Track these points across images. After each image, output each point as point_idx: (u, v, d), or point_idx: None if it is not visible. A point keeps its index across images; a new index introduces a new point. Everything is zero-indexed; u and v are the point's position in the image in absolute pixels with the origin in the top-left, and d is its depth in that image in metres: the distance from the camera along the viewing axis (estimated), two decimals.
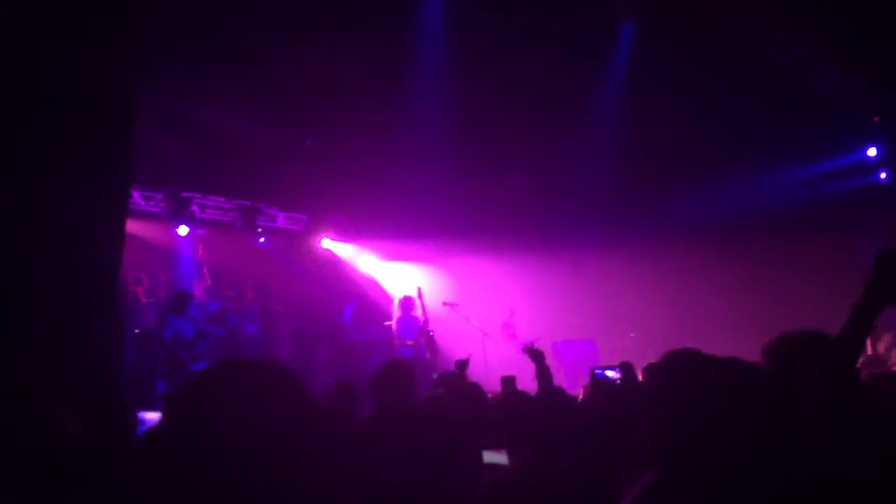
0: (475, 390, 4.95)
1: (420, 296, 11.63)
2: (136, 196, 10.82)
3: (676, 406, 1.89)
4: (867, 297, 2.19)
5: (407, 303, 11.59)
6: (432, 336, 11.35)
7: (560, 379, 11.47)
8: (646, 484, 1.92)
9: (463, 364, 5.71)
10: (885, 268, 2.19)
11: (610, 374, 5.52)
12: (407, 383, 4.83)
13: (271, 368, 1.67)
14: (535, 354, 5.24)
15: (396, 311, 11.56)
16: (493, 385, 6.71)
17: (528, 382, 5.42)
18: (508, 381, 5.69)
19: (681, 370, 1.99)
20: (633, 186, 12.81)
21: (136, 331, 10.67)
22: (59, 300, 5.84)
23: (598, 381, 5.49)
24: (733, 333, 10.40)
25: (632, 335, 12.49)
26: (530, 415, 2.94)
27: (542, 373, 5.05)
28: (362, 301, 13.12)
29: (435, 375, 6.28)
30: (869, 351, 8.49)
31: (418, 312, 11.53)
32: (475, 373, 8.93)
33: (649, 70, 10.54)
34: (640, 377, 4.83)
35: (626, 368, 4.92)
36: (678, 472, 1.83)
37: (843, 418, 2.13)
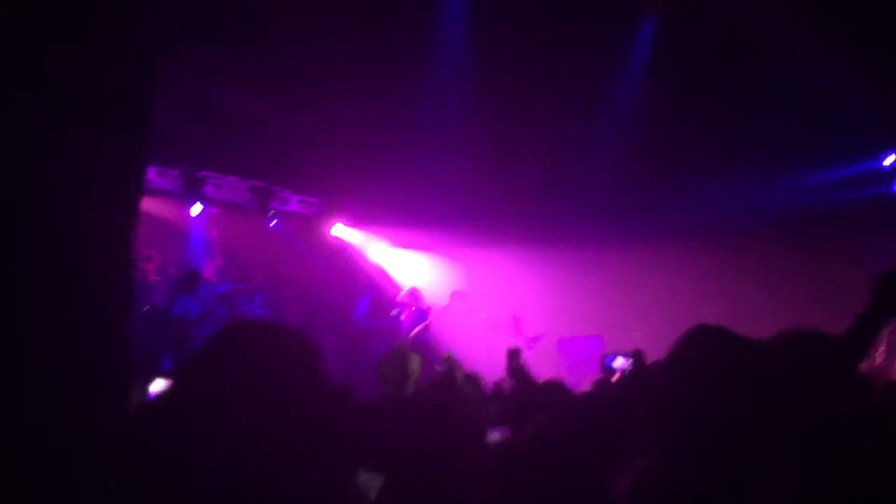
0: (474, 375, 5.01)
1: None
2: (152, 172, 10.85)
3: (698, 379, 1.88)
4: (869, 314, 2.27)
5: (416, 295, 11.63)
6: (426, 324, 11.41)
7: (562, 376, 11.46)
8: (643, 469, 1.92)
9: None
10: (884, 289, 2.26)
11: (619, 361, 5.54)
12: (414, 368, 4.88)
13: (286, 335, 1.67)
14: (511, 355, 5.35)
15: (407, 302, 11.59)
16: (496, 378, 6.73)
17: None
18: (514, 354, 5.72)
19: (707, 344, 1.98)
20: (644, 182, 12.78)
21: (145, 308, 10.70)
22: (69, 268, 5.87)
23: (607, 368, 5.53)
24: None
25: (638, 333, 12.45)
26: (538, 395, 2.97)
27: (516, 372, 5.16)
28: (378, 296, 13.08)
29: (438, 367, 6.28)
30: (878, 360, 8.46)
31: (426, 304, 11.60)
32: (479, 365, 8.93)
33: (666, 66, 10.51)
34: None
35: (636, 356, 4.95)
36: (682, 455, 1.83)
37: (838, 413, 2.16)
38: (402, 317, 11.47)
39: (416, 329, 11.20)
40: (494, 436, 3.02)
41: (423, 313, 11.45)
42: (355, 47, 9.62)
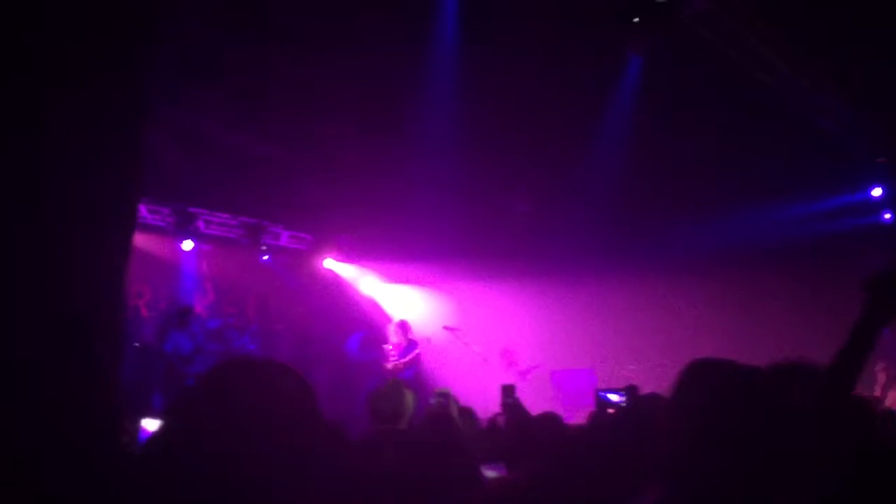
0: (467, 410, 4.99)
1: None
2: (143, 210, 10.86)
3: (705, 413, 1.88)
4: (864, 317, 2.24)
5: (405, 327, 11.60)
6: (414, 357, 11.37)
7: (557, 408, 11.39)
8: (658, 501, 1.90)
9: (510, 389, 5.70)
10: (876, 289, 2.24)
11: (613, 397, 5.53)
12: (408, 403, 4.85)
13: (280, 370, 1.66)
14: (505, 390, 5.37)
15: (397, 336, 11.53)
16: (489, 411, 6.71)
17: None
18: (508, 389, 5.71)
19: (712, 376, 1.98)
20: (635, 216, 12.82)
21: (136, 344, 10.64)
22: (60, 308, 5.82)
23: (602, 403, 5.52)
24: None
25: (631, 366, 12.43)
26: (533, 429, 2.95)
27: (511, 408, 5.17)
28: (370, 331, 13.02)
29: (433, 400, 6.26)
30: (877, 392, 8.48)
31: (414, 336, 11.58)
32: (472, 399, 8.89)
33: (654, 102, 10.59)
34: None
35: (630, 391, 4.95)
36: (698, 487, 1.82)
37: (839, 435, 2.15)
38: (393, 352, 11.43)
39: (403, 361, 11.16)
40: (490, 472, 3.00)
41: (412, 346, 11.42)
42: (346, 85, 9.67)
